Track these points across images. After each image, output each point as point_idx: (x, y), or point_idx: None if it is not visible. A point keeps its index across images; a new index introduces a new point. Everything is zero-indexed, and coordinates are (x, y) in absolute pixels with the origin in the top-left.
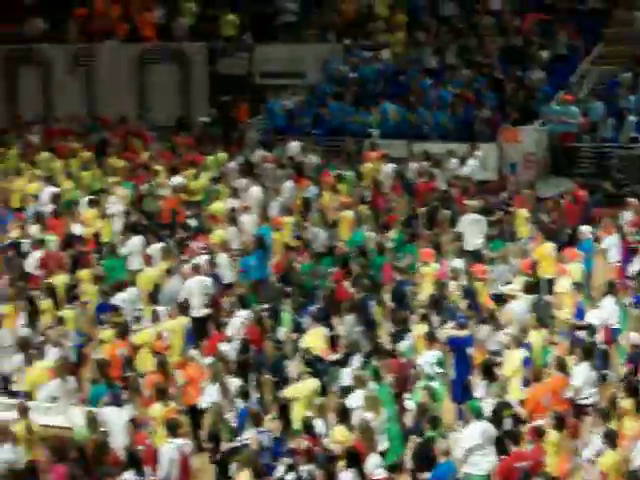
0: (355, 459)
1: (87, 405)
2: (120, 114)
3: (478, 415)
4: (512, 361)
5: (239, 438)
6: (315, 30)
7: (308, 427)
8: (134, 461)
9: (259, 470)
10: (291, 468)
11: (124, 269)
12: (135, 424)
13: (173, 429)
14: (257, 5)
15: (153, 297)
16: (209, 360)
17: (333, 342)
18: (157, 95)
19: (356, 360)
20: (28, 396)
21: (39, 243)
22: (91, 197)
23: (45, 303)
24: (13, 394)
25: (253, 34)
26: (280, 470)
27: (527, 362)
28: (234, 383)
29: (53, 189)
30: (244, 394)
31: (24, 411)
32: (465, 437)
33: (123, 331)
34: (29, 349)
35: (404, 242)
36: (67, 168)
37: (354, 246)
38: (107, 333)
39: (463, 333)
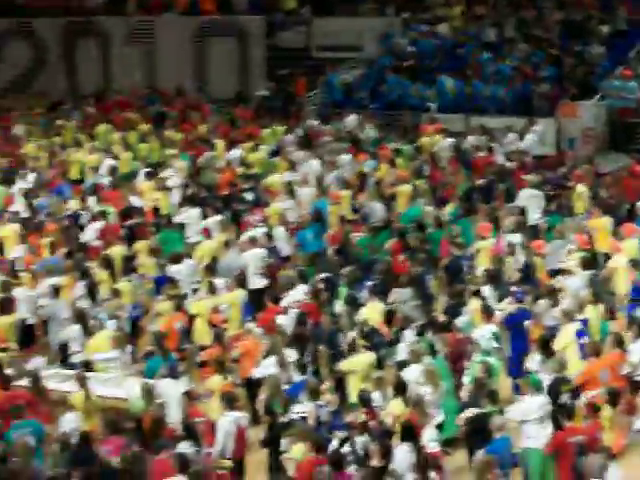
0: (410, 433)
1: (143, 377)
2: (178, 87)
3: (538, 388)
4: (565, 335)
5: (294, 411)
6: (373, 4)
7: (364, 400)
8: (190, 433)
9: (318, 443)
10: (345, 441)
11: (181, 241)
12: (191, 397)
13: (230, 402)
14: None
15: (210, 269)
16: (265, 332)
17: (389, 316)
18: (215, 68)
19: (410, 334)
20: (85, 367)
21: (97, 215)
22: (149, 169)
23: (102, 275)
24: (71, 365)
25: (312, 7)
26: (334, 443)
27: (580, 335)
28: (291, 355)
29: (111, 161)
30: (301, 367)
31: (82, 382)
32: (523, 410)
33: (180, 303)
34: (86, 321)
35: (461, 216)
36: (125, 140)
37: (411, 220)
38: (164, 305)
39: (520, 308)
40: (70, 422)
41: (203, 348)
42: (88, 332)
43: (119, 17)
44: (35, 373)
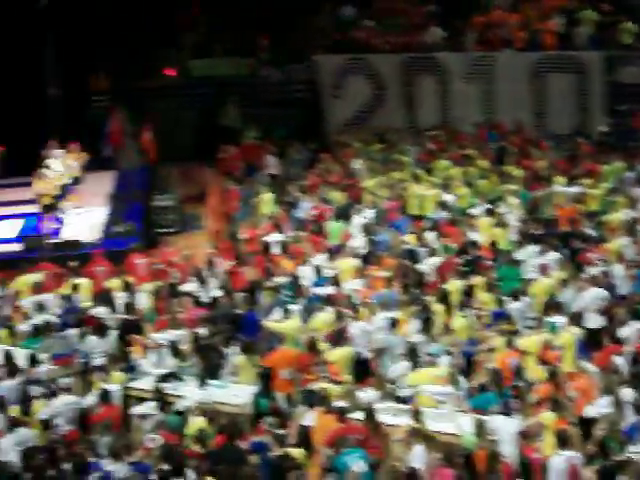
0: None
1: (475, 413)
2: (516, 122)
3: None
4: None
5: (630, 451)
6: None
7: None
8: (525, 471)
9: None
10: None
11: (519, 278)
12: (526, 435)
13: (564, 440)
14: None
15: (547, 307)
16: (601, 371)
17: None
18: (553, 103)
19: None
20: (413, 401)
21: (436, 250)
22: (488, 205)
23: (438, 309)
24: (402, 400)
25: None
26: None
27: None
28: (627, 395)
29: (450, 197)
30: (637, 407)
31: (418, 416)
32: None
33: (511, 340)
34: (417, 357)
35: None
36: (465, 176)
37: None
38: (498, 341)
39: None
40: (419, 456)
41: (536, 386)
42: (418, 367)
43: (458, 53)
44: (370, 407)
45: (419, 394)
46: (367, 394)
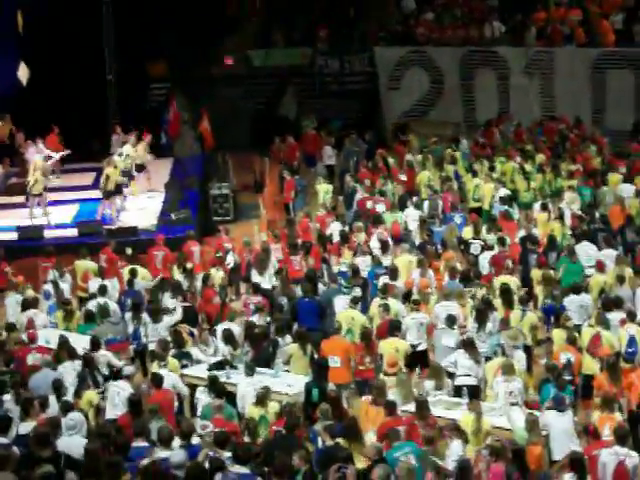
0: None
1: (529, 407)
2: (575, 118)
3: None
4: None
5: None
6: None
7: None
8: (578, 466)
9: None
10: None
11: (577, 273)
12: (580, 431)
13: (621, 437)
14: None
15: (605, 303)
16: None
17: None
18: (612, 100)
19: None
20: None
21: (492, 243)
22: (544, 201)
23: (497, 302)
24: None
25: None
26: None
27: None
28: None
29: (506, 191)
30: None
31: (475, 409)
32: None
33: (571, 335)
34: (474, 348)
35: None
36: (521, 170)
37: None
38: (556, 336)
39: None
40: (456, 450)
41: (590, 380)
42: (476, 359)
43: (518, 47)
44: (423, 398)
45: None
46: (422, 385)
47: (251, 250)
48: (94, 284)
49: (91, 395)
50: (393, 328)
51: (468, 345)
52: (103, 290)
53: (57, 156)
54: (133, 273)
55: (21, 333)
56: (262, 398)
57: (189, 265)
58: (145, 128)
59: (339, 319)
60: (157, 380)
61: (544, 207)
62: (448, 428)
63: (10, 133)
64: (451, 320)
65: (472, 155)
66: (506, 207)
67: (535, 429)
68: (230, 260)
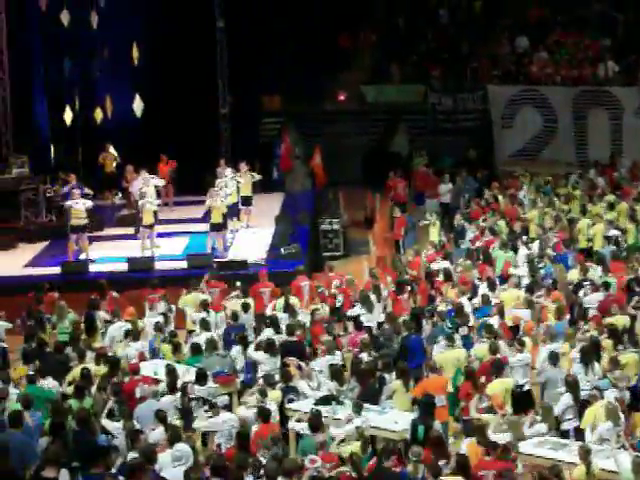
0: None
1: (636, 450)
2: None
3: None
4: None
5: None
6: None
7: None
8: None
9: None
10: None
11: None
12: None
13: None
14: None
15: None
16: None
17: None
18: None
19: None
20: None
21: (600, 285)
22: None
23: (606, 343)
24: (562, 433)
25: None
26: None
27: None
28: None
29: (616, 232)
30: None
31: (586, 455)
32: None
33: None
34: (577, 390)
35: None
36: (631, 211)
37: None
38: None
39: None
40: None
41: None
42: (578, 401)
43: (632, 87)
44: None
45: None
46: (532, 426)
47: (357, 286)
48: (202, 316)
49: (198, 426)
50: (499, 367)
51: (569, 385)
52: (210, 323)
53: (161, 183)
54: (245, 307)
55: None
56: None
57: (293, 300)
58: (251, 161)
59: (440, 359)
60: (264, 414)
61: None
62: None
63: (117, 165)
64: (557, 359)
65: (586, 195)
66: (614, 247)
67: None
68: (338, 295)
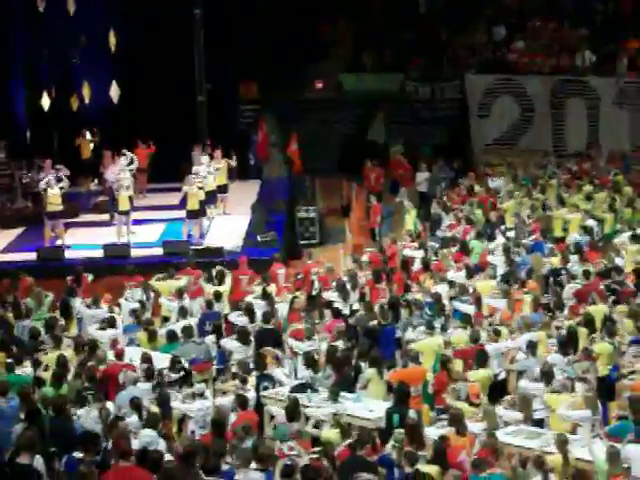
0: None
1: (611, 440)
2: None
3: None
4: None
5: None
6: None
7: None
8: None
9: None
10: None
11: None
12: None
13: None
14: None
15: None
16: None
17: None
18: None
19: None
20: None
21: (577, 274)
22: (634, 232)
23: (581, 332)
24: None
25: None
26: None
27: None
28: None
29: (592, 222)
30: None
31: (563, 444)
32: None
33: None
34: (551, 379)
35: None
36: (609, 201)
37: None
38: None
39: None
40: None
41: None
42: (551, 390)
43: (609, 78)
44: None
45: (554, 417)
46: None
47: (335, 274)
48: (178, 304)
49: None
50: (480, 357)
51: (547, 375)
52: (186, 310)
53: (134, 165)
54: (217, 295)
55: (104, 350)
56: (341, 423)
57: (270, 288)
58: (227, 149)
59: (420, 347)
60: (243, 401)
61: (634, 238)
62: (533, 462)
63: (95, 151)
64: (533, 349)
65: (563, 184)
66: (589, 237)
67: (616, 461)
68: (316, 285)
